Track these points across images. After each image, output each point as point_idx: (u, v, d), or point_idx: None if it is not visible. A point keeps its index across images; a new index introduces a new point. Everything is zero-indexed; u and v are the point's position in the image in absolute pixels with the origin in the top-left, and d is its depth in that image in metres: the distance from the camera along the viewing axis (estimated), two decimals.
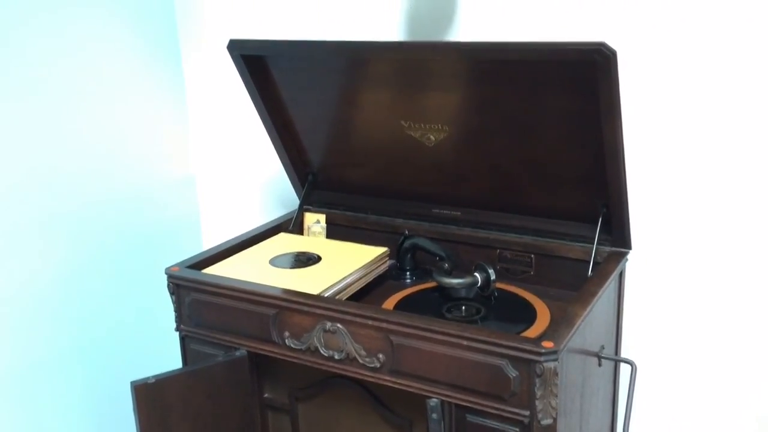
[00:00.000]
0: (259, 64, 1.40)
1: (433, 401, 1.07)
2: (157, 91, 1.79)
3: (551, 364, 0.98)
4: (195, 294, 1.27)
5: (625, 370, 1.33)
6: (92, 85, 1.62)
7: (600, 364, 1.21)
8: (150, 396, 1.17)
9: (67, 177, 1.58)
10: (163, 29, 1.78)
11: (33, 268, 1.53)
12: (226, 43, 1.37)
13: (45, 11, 1.50)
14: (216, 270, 1.32)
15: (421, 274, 1.42)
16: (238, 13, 1.73)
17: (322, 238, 1.54)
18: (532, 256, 1.35)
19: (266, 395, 1.33)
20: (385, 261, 1.40)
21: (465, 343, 1.03)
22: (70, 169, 1.59)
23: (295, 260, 1.37)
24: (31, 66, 1.49)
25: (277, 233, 1.52)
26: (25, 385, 1.54)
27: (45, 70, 1.51)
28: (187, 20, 1.80)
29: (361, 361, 1.12)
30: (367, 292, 1.35)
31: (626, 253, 1.27)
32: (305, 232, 1.57)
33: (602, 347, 1.22)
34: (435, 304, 1.27)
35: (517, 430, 1.02)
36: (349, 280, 1.29)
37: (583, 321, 1.07)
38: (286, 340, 1.19)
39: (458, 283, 1.25)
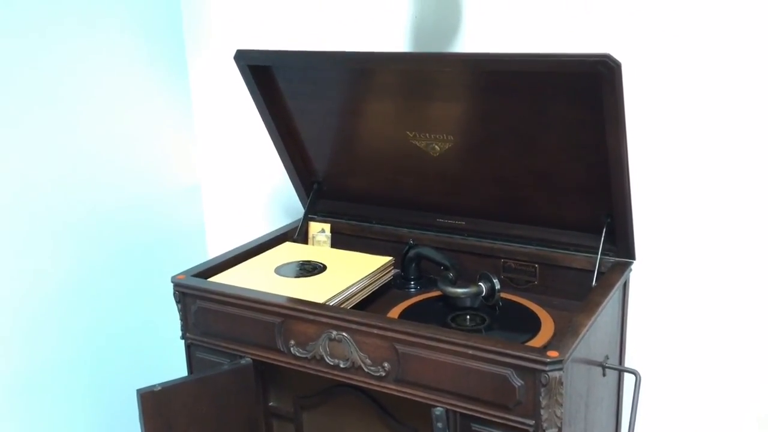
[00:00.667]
0: (266, 74, 1.41)
1: (438, 410, 1.07)
2: (163, 100, 1.80)
3: (556, 374, 0.98)
4: (201, 302, 1.28)
5: (629, 380, 1.33)
6: (99, 94, 1.63)
7: (604, 374, 1.22)
8: (156, 404, 1.17)
9: (73, 185, 1.59)
10: (170, 39, 1.80)
11: (39, 275, 1.54)
12: (232, 52, 1.38)
13: (52, 22, 1.51)
14: (221, 278, 1.32)
15: (425, 284, 1.42)
16: (244, 23, 1.74)
17: (327, 247, 1.54)
18: (536, 265, 1.35)
19: (271, 403, 1.33)
20: (390, 270, 1.41)
21: (470, 352, 1.03)
22: (76, 178, 1.60)
23: (300, 269, 1.38)
24: (39, 76, 1.50)
25: (282, 242, 1.52)
26: (32, 393, 1.54)
27: (52, 80, 1.53)
28: (193, 30, 1.82)
29: (366, 370, 1.13)
30: (372, 301, 1.35)
31: (630, 264, 1.27)
32: (310, 241, 1.58)
33: (606, 357, 1.22)
34: (439, 313, 1.28)
35: None
36: (354, 289, 1.30)
37: (587, 331, 1.07)
38: (292, 349, 1.19)
39: (463, 293, 1.26)
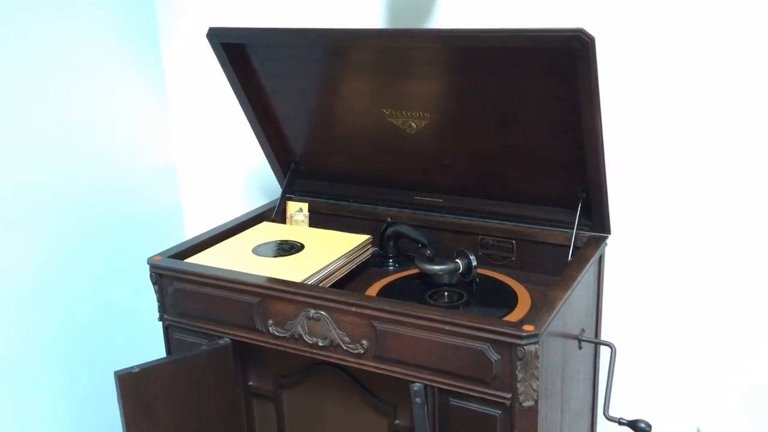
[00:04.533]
0: (240, 53, 1.39)
1: (417, 386, 1.08)
2: (138, 82, 1.77)
3: (532, 347, 0.99)
4: (178, 283, 1.27)
5: (605, 352, 1.35)
6: (73, 76, 1.60)
7: (580, 347, 1.23)
8: (134, 385, 1.17)
9: (49, 168, 1.57)
10: (143, 18, 1.77)
11: (14, 258, 1.52)
12: (206, 31, 1.36)
13: (27, 7, 1.48)
14: (199, 259, 1.32)
15: (403, 261, 1.43)
16: (218, 1, 1.72)
17: (305, 227, 1.54)
18: (514, 241, 1.36)
19: (251, 383, 1.34)
20: (368, 248, 1.41)
21: (447, 328, 1.04)
22: (51, 161, 1.57)
23: (278, 249, 1.37)
24: (13, 59, 1.47)
25: (260, 222, 1.52)
26: (9, 376, 1.53)
27: (27, 64, 1.50)
28: (166, 9, 1.79)
29: (344, 348, 1.13)
30: (351, 279, 1.35)
31: (605, 238, 1.29)
32: (288, 220, 1.57)
33: (582, 330, 1.23)
34: (418, 290, 1.28)
35: (499, 412, 1.04)
36: (332, 267, 1.30)
37: (563, 305, 1.08)
38: (270, 328, 1.19)
39: (440, 270, 1.26)
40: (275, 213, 1.55)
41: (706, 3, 1.27)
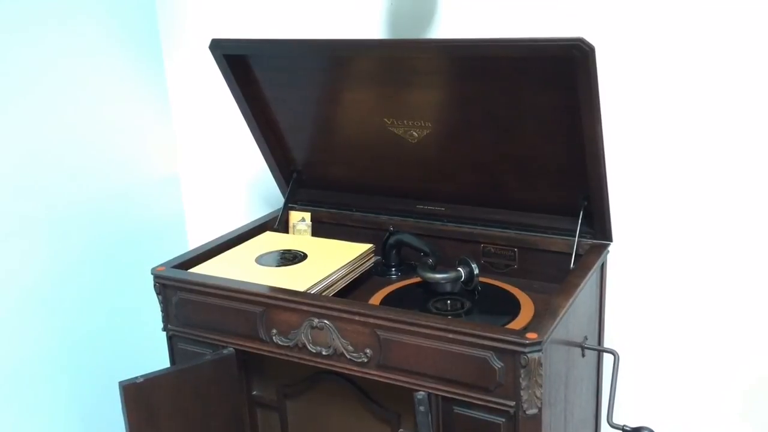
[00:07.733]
0: (242, 64, 1.40)
1: (421, 394, 1.08)
2: (140, 91, 1.78)
3: (535, 355, 0.99)
4: (182, 293, 1.28)
5: (608, 359, 1.36)
6: (76, 87, 1.61)
7: (583, 355, 1.23)
8: (138, 396, 1.17)
9: (51, 178, 1.57)
10: (145, 28, 1.78)
11: (17, 268, 1.52)
12: (208, 42, 1.37)
13: (33, 20, 1.49)
14: (202, 269, 1.32)
15: (406, 270, 1.43)
16: (220, 12, 1.73)
17: (308, 236, 1.54)
18: (516, 249, 1.37)
19: (255, 392, 1.34)
20: (371, 257, 1.42)
21: (450, 336, 1.04)
22: (54, 170, 1.58)
23: (281, 258, 1.38)
24: (17, 69, 1.48)
25: (263, 232, 1.52)
26: (12, 386, 1.53)
27: (31, 74, 1.51)
28: (168, 20, 1.80)
29: (348, 357, 1.13)
30: (354, 288, 1.36)
31: (607, 245, 1.29)
32: (290, 230, 1.58)
33: (585, 338, 1.24)
34: (420, 299, 1.29)
35: (503, 420, 1.04)
36: (335, 276, 1.30)
37: (566, 312, 1.08)
38: (274, 338, 1.20)
39: (442, 278, 1.27)
40: (278, 222, 1.55)
41: (705, 11, 1.28)
